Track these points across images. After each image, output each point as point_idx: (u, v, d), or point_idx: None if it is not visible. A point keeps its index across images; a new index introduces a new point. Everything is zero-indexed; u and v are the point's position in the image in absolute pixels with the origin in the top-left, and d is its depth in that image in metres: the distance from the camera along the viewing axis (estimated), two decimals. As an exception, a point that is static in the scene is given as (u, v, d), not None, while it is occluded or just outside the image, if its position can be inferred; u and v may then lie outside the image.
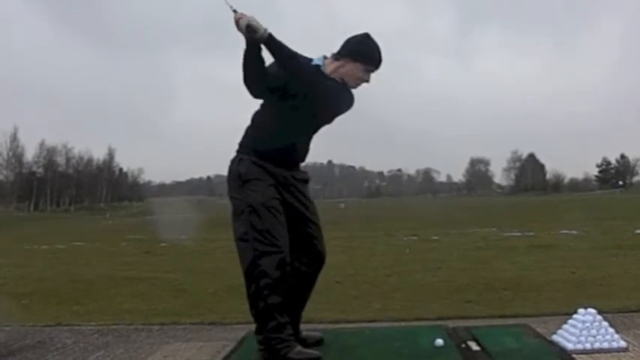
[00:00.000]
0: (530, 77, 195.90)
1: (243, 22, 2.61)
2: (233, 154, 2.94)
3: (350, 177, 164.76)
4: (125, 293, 6.68)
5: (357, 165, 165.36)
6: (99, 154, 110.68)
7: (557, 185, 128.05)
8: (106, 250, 14.16)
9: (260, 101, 2.95)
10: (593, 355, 2.89)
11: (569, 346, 2.95)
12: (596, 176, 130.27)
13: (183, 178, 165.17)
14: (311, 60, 2.86)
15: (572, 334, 3.01)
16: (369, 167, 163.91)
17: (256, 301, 2.70)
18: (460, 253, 10.26)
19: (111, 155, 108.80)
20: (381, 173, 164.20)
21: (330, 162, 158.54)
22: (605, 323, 3.04)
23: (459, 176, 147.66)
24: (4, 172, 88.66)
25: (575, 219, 18.74)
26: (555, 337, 3.12)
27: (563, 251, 9.81)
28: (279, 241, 2.72)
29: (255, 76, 2.77)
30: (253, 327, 2.83)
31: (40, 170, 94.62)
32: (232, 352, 3.13)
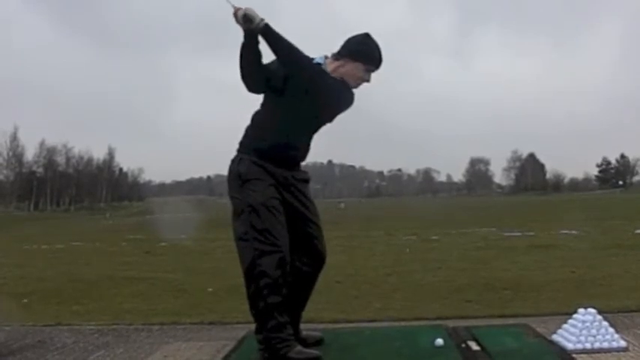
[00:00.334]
0: (530, 77, 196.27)
1: (240, 13, 2.63)
2: (233, 153, 2.94)
3: (350, 177, 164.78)
4: (125, 293, 6.68)
5: (357, 165, 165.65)
6: (99, 154, 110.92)
7: (557, 185, 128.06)
8: (106, 249, 14.17)
9: (260, 101, 2.95)
10: (593, 355, 2.89)
11: (569, 345, 2.95)
12: (596, 176, 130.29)
13: (183, 178, 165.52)
14: (312, 59, 2.86)
15: (572, 333, 3.01)
16: (369, 167, 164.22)
17: (256, 300, 2.70)
18: (460, 252, 10.26)
19: (111, 155, 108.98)
20: (381, 173, 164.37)
21: (330, 162, 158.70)
22: (605, 323, 3.04)
23: (459, 176, 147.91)
24: (4, 171, 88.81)
25: (575, 219, 18.75)
26: (555, 337, 3.12)
27: (563, 251, 9.82)
28: (279, 241, 2.72)
29: (251, 69, 2.77)
30: (253, 327, 2.83)
31: (40, 170, 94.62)
32: (232, 351, 3.13)
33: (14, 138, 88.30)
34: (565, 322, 3.13)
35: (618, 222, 16.96)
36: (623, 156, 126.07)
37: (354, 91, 2.92)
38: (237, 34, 2.75)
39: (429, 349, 2.93)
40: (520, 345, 3.01)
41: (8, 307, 5.55)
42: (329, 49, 2.93)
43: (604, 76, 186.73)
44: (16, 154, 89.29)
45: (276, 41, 2.69)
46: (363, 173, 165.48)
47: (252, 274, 2.70)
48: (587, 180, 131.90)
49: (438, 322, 3.84)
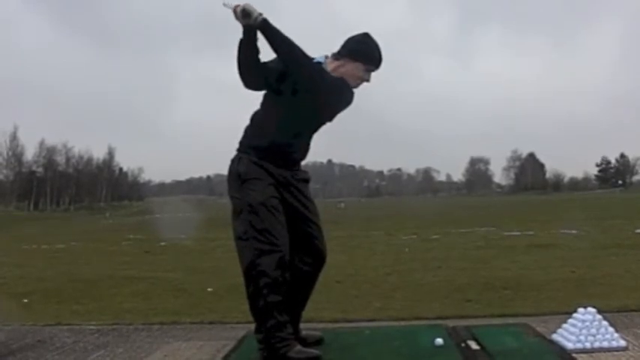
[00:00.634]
0: (530, 77, 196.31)
1: (239, 9, 2.64)
2: (233, 153, 2.93)
3: (350, 176, 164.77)
4: (125, 293, 6.68)
5: (356, 164, 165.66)
6: (99, 154, 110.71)
7: (557, 184, 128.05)
8: (105, 249, 14.17)
9: (260, 100, 2.95)
10: (593, 355, 2.89)
11: (569, 345, 2.95)
12: (595, 175, 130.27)
13: (183, 178, 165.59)
14: (313, 59, 2.86)
15: (572, 333, 3.01)
16: (368, 166, 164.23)
17: (256, 300, 2.70)
18: (460, 252, 10.27)
19: (111, 155, 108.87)
20: (380, 172, 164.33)
21: (329, 161, 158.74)
22: (605, 322, 3.04)
23: (458, 175, 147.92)
24: (4, 171, 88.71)
25: (574, 218, 18.75)
26: (555, 337, 3.12)
27: (563, 250, 9.82)
28: (278, 240, 2.71)
29: (248, 65, 2.77)
30: (253, 326, 2.83)
31: (40, 170, 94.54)
32: (232, 351, 3.13)
33: (14, 137, 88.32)
34: (565, 322, 3.14)
35: (618, 221, 16.97)
36: (622, 155, 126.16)
37: (354, 90, 2.92)
38: (237, 34, 2.75)
39: (429, 348, 2.93)
40: (520, 344, 3.01)
41: (8, 306, 5.55)
42: (329, 49, 2.93)
43: (604, 76, 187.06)
44: (15, 154, 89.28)
45: (275, 37, 2.69)
46: (363, 173, 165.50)
47: (251, 274, 2.70)
48: (586, 179, 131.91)
49: (438, 321, 3.84)
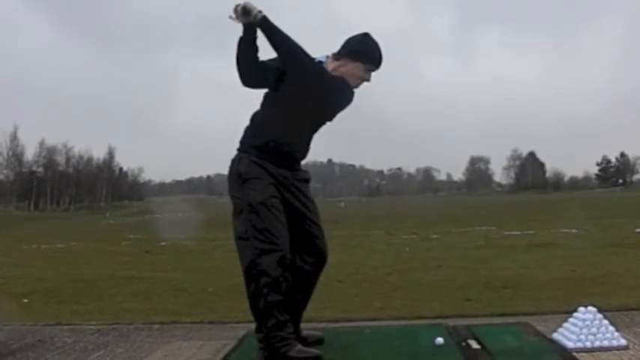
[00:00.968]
0: (530, 77, 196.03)
1: (239, 7, 2.65)
2: (233, 153, 2.93)
3: (350, 176, 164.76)
4: (125, 292, 6.68)
5: (357, 164, 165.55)
6: (99, 154, 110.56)
7: (557, 184, 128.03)
8: (106, 249, 14.17)
9: (259, 100, 2.95)
10: (593, 354, 2.89)
11: (570, 344, 2.95)
12: (596, 175, 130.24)
13: (183, 177, 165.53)
14: (314, 58, 2.86)
15: (572, 332, 3.01)
16: (369, 166, 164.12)
17: (256, 299, 2.70)
18: (460, 251, 10.27)
19: (111, 154, 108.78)
20: (381, 172, 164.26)
21: (330, 161, 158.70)
22: (606, 321, 3.04)
23: (459, 175, 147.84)
24: (4, 171, 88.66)
25: (575, 217, 18.76)
26: (556, 336, 3.12)
27: (563, 250, 9.82)
28: (279, 240, 2.71)
29: (247, 62, 2.78)
30: (253, 326, 2.83)
31: (40, 169, 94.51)
32: (232, 350, 3.13)
33: (14, 137, 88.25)
34: (565, 321, 3.14)
35: (618, 220, 16.96)
36: (623, 155, 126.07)
37: (355, 90, 2.92)
38: (237, 34, 2.76)
39: (430, 348, 2.93)
40: (520, 344, 3.01)
41: (8, 306, 5.55)
42: (329, 48, 2.93)
43: (604, 76, 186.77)
44: (16, 154, 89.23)
45: (275, 34, 2.69)
46: (363, 172, 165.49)
47: (251, 273, 2.70)
48: (587, 179, 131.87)
49: (439, 320, 3.84)
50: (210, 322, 4.55)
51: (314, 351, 2.81)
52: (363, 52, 2.86)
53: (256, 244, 2.69)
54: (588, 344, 2.94)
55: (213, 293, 6.39)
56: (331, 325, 3.98)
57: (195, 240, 15.16)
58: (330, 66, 2.87)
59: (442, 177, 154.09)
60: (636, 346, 3.00)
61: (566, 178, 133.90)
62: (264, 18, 2.66)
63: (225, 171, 2.94)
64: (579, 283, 6.06)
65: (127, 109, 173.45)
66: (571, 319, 3.10)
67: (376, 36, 2.90)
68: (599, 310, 3.09)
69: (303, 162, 3.01)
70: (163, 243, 14.80)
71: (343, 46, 2.89)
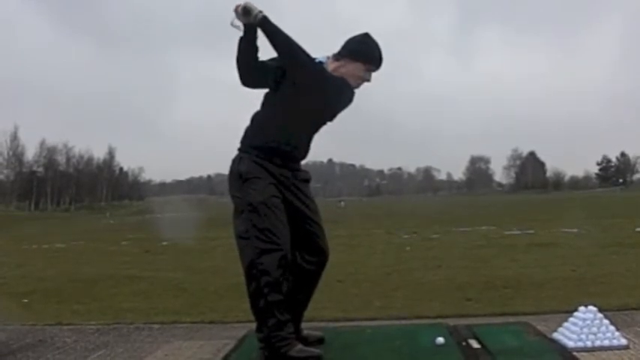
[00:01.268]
0: (530, 76, 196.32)
1: (240, 8, 2.66)
2: (233, 153, 2.94)
3: (350, 175, 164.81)
4: (126, 292, 6.68)
5: (357, 163, 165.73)
6: (99, 154, 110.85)
7: (558, 183, 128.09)
8: (106, 249, 14.16)
9: (260, 100, 2.95)
10: (594, 353, 2.89)
11: (570, 344, 2.95)
12: (596, 174, 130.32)
13: (183, 177, 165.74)
14: (314, 59, 2.86)
15: (572, 332, 3.01)
16: (369, 165, 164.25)
17: (257, 299, 2.70)
18: (460, 251, 10.26)
19: (111, 154, 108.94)
20: (381, 171, 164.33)
21: (330, 160, 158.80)
22: (606, 321, 3.04)
23: (459, 174, 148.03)
24: (5, 171, 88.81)
25: (575, 217, 18.74)
26: (556, 335, 3.12)
27: (563, 249, 9.81)
28: (279, 239, 2.71)
29: (246, 62, 2.79)
30: (254, 325, 2.83)
31: (41, 169, 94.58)
32: (233, 350, 3.13)
33: (14, 137, 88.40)
34: (566, 320, 3.14)
35: (619, 220, 16.94)
36: (623, 154, 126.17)
37: (355, 91, 2.92)
38: (237, 34, 2.76)
39: (430, 347, 2.93)
40: (521, 343, 3.01)
41: (9, 306, 5.55)
42: (329, 48, 2.93)
43: (604, 76, 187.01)
44: (16, 154, 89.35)
45: (275, 34, 2.70)
46: (364, 172, 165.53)
47: (252, 273, 2.70)
48: (587, 178, 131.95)
49: (439, 320, 3.84)
50: (211, 322, 4.54)
51: (314, 350, 2.81)
52: (363, 52, 2.86)
53: (257, 243, 2.69)
54: (589, 344, 2.94)
55: (213, 293, 6.39)
56: (331, 324, 3.98)
57: (196, 240, 15.15)
58: (331, 66, 2.87)
59: (442, 177, 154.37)
60: (637, 346, 3.00)
61: (566, 178, 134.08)
62: (265, 18, 2.67)
63: (226, 171, 2.94)
64: (580, 283, 6.05)
65: (127, 109, 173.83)
66: (571, 319, 3.10)
67: (376, 36, 2.90)
68: (600, 310, 3.09)
69: (303, 162, 3.02)
70: (164, 243, 14.80)
71: (343, 46, 2.89)
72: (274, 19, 2.69)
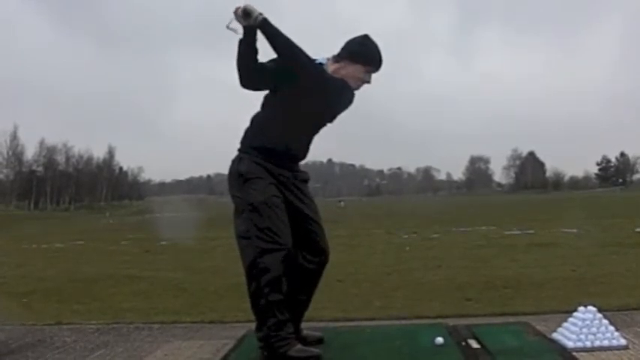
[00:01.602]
0: (530, 76, 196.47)
1: (240, 10, 2.65)
2: (233, 152, 2.94)
3: (350, 175, 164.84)
4: (125, 292, 6.68)
5: (357, 163, 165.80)
6: (99, 153, 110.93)
7: (557, 183, 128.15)
8: (106, 248, 14.16)
9: (260, 100, 2.96)
10: (593, 353, 2.89)
11: (570, 344, 2.95)
12: (596, 174, 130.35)
13: (183, 177, 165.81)
14: (314, 60, 2.86)
15: (572, 332, 3.01)
16: (369, 165, 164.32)
17: (257, 298, 2.70)
18: (460, 251, 10.26)
19: (111, 154, 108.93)
20: (381, 171, 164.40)
21: (330, 160, 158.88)
22: (606, 321, 3.04)
23: (458, 174, 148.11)
24: (4, 170, 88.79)
25: (575, 217, 18.74)
26: (556, 335, 3.12)
27: (563, 249, 9.81)
28: (281, 239, 2.71)
29: (246, 64, 2.78)
30: (253, 325, 2.83)
31: (40, 169, 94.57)
32: (232, 350, 3.13)
33: (14, 137, 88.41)
34: (565, 321, 3.14)
35: (618, 220, 16.94)
36: (622, 154, 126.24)
37: (355, 92, 2.92)
38: (237, 34, 2.75)
39: (430, 347, 2.93)
40: (520, 343, 3.01)
41: (8, 306, 5.55)
42: (329, 49, 2.93)
43: (604, 76, 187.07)
44: (15, 153, 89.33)
45: (275, 36, 2.70)
46: (363, 172, 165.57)
47: (253, 272, 2.70)
48: (587, 178, 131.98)
49: (439, 320, 3.84)
50: (211, 322, 4.54)
51: (314, 350, 2.81)
52: (362, 54, 2.86)
53: (258, 243, 2.69)
54: (588, 344, 2.94)
55: (213, 293, 6.39)
56: (331, 324, 3.98)
57: (196, 239, 15.14)
58: (331, 68, 2.87)
59: (442, 177, 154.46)
60: (636, 346, 3.00)
61: (566, 178, 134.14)
62: (265, 20, 2.66)
63: (226, 171, 2.94)
64: (579, 283, 6.06)
65: (127, 108, 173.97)
66: (571, 319, 3.10)
67: (376, 36, 2.90)
68: (599, 310, 3.09)
69: (302, 162, 3.02)
70: (163, 242, 14.79)
71: (343, 48, 2.89)
72: (274, 20, 2.69)
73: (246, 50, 2.76)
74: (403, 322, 4.14)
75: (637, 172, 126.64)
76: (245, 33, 2.72)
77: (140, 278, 7.79)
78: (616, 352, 2.91)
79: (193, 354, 3.32)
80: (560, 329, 3.14)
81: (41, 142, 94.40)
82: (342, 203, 61.93)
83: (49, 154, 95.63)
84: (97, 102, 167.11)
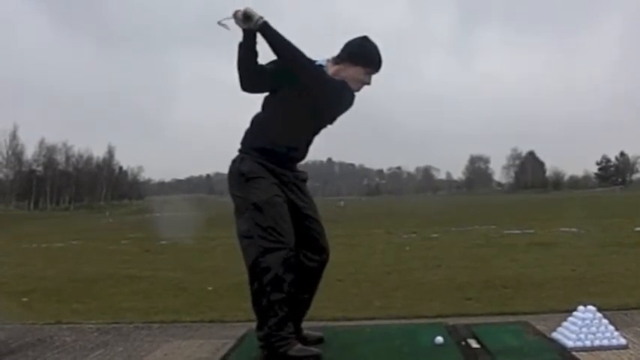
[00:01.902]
0: (530, 76, 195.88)
1: (240, 13, 2.66)
2: (233, 152, 2.94)
3: (350, 175, 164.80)
4: (125, 291, 6.68)
5: (356, 163, 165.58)
6: (99, 153, 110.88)
7: (557, 183, 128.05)
8: (105, 248, 14.15)
9: (260, 101, 2.96)
10: (593, 353, 2.89)
11: (569, 343, 2.96)
12: (595, 174, 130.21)
13: (182, 177, 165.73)
14: (314, 61, 2.86)
15: (572, 331, 3.01)
16: (368, 165, 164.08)
17: (259, 297, 2.71)
18: (460, 250, 10.26)
19: (111, 153, 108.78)
20: (380, 171, 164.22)
21: (329, 160, 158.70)
22: (605, 321, 3.05)
23: (458, 174, 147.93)
24: (4, 170, 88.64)
25: (575, 217, 18.74)
26: (555, 335, 3.13)
27: (563, 249, 9.81)
28: (283, 238, 2.71)
29: (247, 67, 2.79)
30: (253, 325, 2.84)
31: (40, 168, 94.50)
32: (232, 349, 3.14)
33: (14, 137, 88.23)
34: (565, 320, 3.14)
35: (618, 220, 16.95)
36: (622, 154, 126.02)
37: (355, 93, 2.92)
38: (237, 34, 2.76)
39: (429, 347, 2.93)
40: (520, 343, 3.02)
41: (8, 305, 5.55)
42: (329, 49, 2.93)
43: (604, 76, 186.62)
44: (15, 153, 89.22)
45: (275, 39, 2.70)
46: (363, 171, 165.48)
47: (255, 271, 2.70)
48: (586, 178, 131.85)
49: (438, 320, 3.85)
50: (210, 321, 4.55)
51: (313, 350, 2.82)
52: (362, 55, 2.86)
53: (261, 242, 2.69)
54: (588, 343, 2.94)
55: (213, 292, 6.39)
56: (331, 324, 3.98)
57: (196, 239, 15.15)
58: (331, 70, 2.87)
59: (442, 176, 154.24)
60: (636, 346, 3.01)
61: (566, 178, 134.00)
62: (265, 23, 2.67)
63: (225, 170, 2.94)
64: (579, 282, 6.06)
65: (127, 108, 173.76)
66: (571, 318, 3.10)
67: (376, 36, 2.90)
68: (599, 310, 3.10)
69: (302, 162, 3.03)
70: (163, 242, 14.79)
71: (343, 49, 2.89)
72: (274, 20, 2.69)
73: (247, 54, 2.76)
74: (403, 321, 4.15)
75: (637, 171, 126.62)
76: (244, 36, 2.72)
77: (140, 278, 7.80)
78: (616, 351, 2.91)
79: (193, 353, 3.32)
80: (560, 329, 3.14)
81: (41, 142, 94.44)
82: (341, 203, 61.93)
83: (48, 153, 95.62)
84: (97, 102, 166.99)
